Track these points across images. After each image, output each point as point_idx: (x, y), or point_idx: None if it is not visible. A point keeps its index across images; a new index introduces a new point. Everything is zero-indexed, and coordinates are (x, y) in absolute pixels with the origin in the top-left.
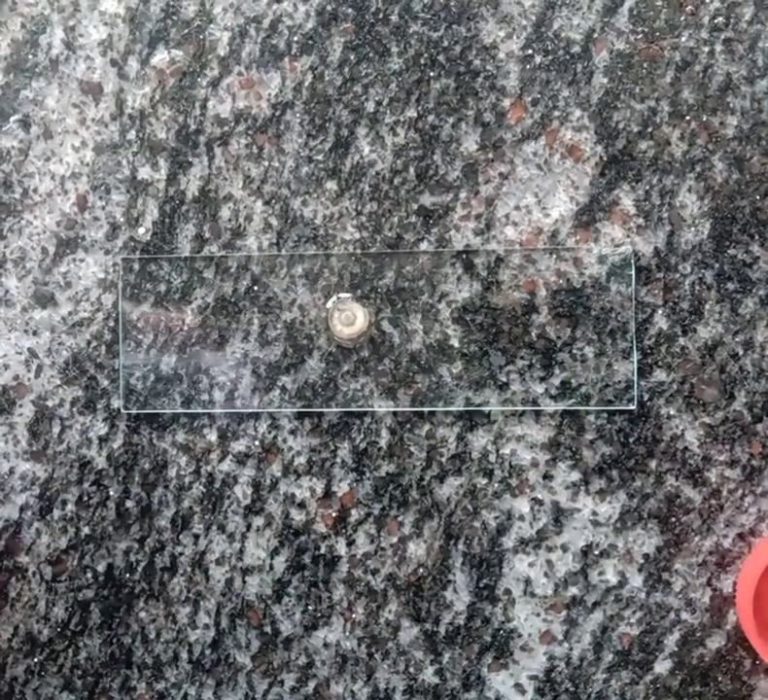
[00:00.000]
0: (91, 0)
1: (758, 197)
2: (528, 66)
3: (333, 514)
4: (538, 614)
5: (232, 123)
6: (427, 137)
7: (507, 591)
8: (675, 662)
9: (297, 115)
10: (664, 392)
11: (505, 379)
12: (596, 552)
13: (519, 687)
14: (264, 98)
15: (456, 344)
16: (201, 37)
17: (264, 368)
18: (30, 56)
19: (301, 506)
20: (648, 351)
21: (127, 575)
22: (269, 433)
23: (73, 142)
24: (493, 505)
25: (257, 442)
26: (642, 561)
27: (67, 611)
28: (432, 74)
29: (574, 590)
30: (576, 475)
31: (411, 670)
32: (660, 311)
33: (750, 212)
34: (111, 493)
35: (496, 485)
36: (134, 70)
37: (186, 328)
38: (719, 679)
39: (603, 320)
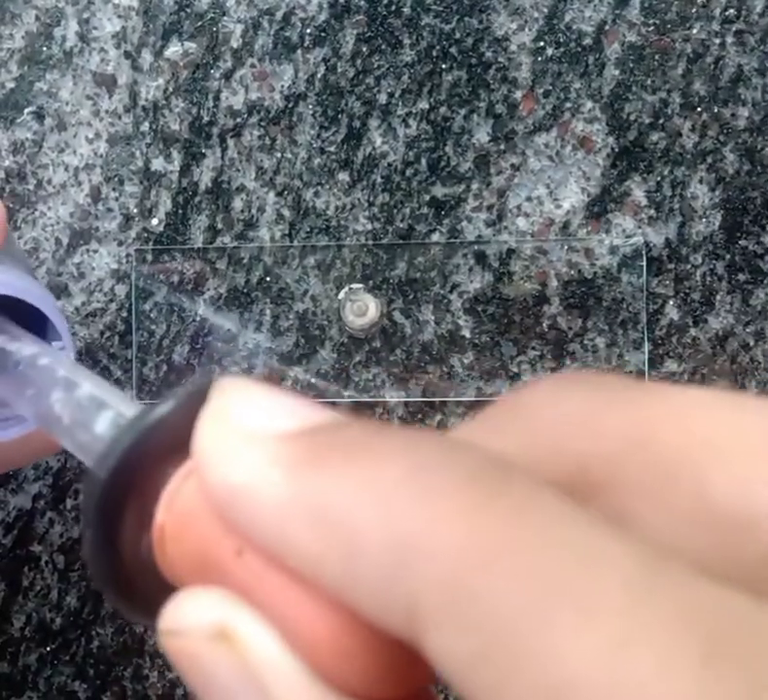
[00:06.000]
0: None
1: None
2: (540, 58)
3: None
4: None
5: (245, 115)
6: (439, 129)
7: None
8: None
9: (310, 106)
10: (675, 382)
11: (516, 369)
12: None
13: None
14: (277, 90)
15: (467, 335)
16: (215, 29)
17: (277, 359)
18: (44, 49)
19: None
20: (660, 342)
21: None
22: None
23: (87, 134)
24: None
25: None
26: None
27: (79, 599)
28: (444, 66)
29: None
30: None
31: None
32: (671, 302)
33: (762, 203)
34: None
35: None
36: (148, 62)
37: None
38: None
39: (614, 311)
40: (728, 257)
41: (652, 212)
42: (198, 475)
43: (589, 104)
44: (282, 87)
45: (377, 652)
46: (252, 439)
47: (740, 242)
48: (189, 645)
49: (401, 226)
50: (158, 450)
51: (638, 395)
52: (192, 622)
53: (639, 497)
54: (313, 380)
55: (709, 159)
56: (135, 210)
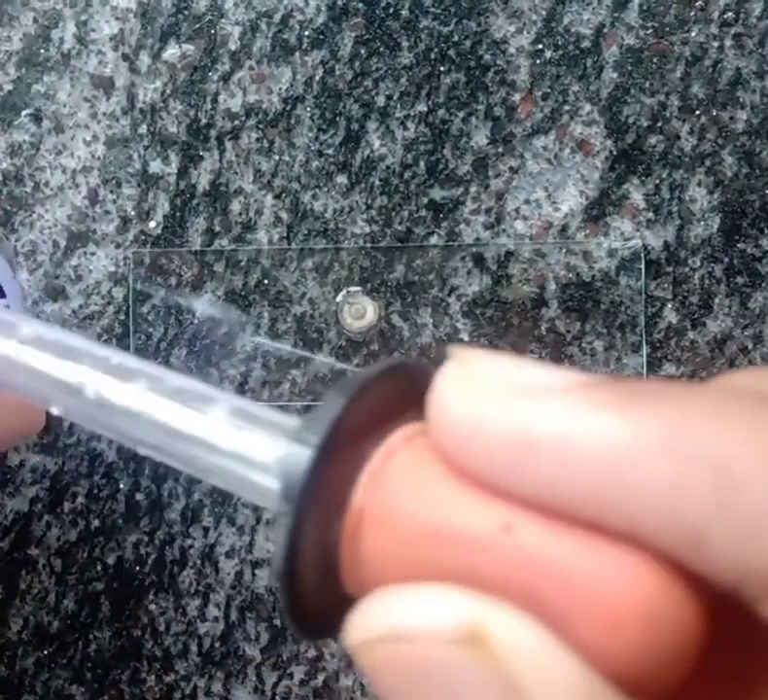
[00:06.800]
0: None
1: None
2: (538, 61)
3: None
4: None
5: (243, 118)
6: (437, 131)
7: None
8: None
9: (308, 109)
10: None
11: None
12: None
13: None
14: (275, 92)
15: (466, 338)
16: (213, 32)
17: (274, 362)
18: (42, 51)
19: None
20: (658, 345)
21: (137, 567)
22: None
23: (84, 136)
24: None
25: None
26: None
27: (77, 603)
28: (442, 68)
29: None
30: None
31: None
32: (670, 305)
33: (760, 206)
34: (121, 486)
35: None
36: (146, 64)
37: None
38: None
39: (612, 314)
40: (727, 260)
41: (651, 215)
42: (426, 443)
43: (587, 107)
44: (280, 89)
45: (689, 616)
46: (543, 390)
47: (738, 245)
48: (420, 652)
49: (400, 228)
50: (347, 437)
51: None
52: (424, 624)
53: None
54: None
55: (707, 163)
56: (133, 212)
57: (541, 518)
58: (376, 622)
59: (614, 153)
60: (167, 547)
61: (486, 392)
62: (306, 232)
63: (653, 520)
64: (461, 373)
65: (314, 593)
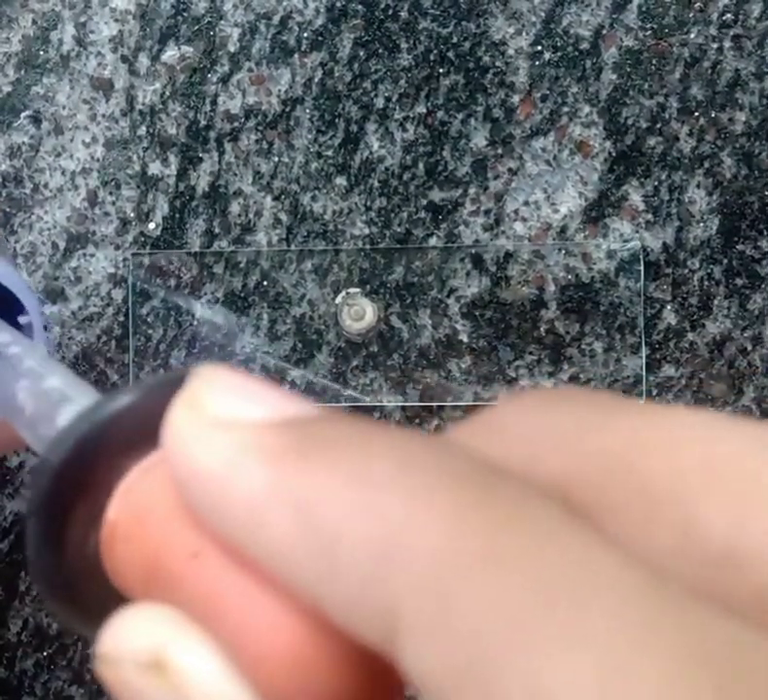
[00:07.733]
0: None
1: (767, 193)
2: (537, 62)
3: None
4: None
5: (242, 119)
6: (436, 133)
7: None
8: None
9: (307, 111)
10: (673, 387)
11: (514, 374)
12: None
13: None
14: (274, 94)
15: (465, 339)
16: (212, 33)
17: (274, 363)
18: (41, 53)
19: None
20: (657, 346)
21: None
22: None
23: (84, 138)
24: None
25: None
26: None
27: None
28: (441, 70)
29: None
30: None
31: None
32: (669, 306)
33: (759, 208)
34: None
35: None
36: (145, 66)
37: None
38: None
39: (611, 315)
40: (726, 261)
41: (650, 216)
42: (165, 465)
43: (586, 108)
44: (279, 91)
45: (341, 666)
46: (230, 426)
47: (737, 247)
48: (121, 674)
49: (399, 230)
50: (116, 443)
51: (627, 415)
52: (125, 649)
53: (622, 524)
54: (313, 378)
55: (706, 164)
56: (132, 214)
57: (224, 551)
58: (103, 640)
59: (613, 154)
60: None
61: (197, 418)
62: (305, 234)
63: (280, 571)
64: (190, 395)
65: (87, 593)
